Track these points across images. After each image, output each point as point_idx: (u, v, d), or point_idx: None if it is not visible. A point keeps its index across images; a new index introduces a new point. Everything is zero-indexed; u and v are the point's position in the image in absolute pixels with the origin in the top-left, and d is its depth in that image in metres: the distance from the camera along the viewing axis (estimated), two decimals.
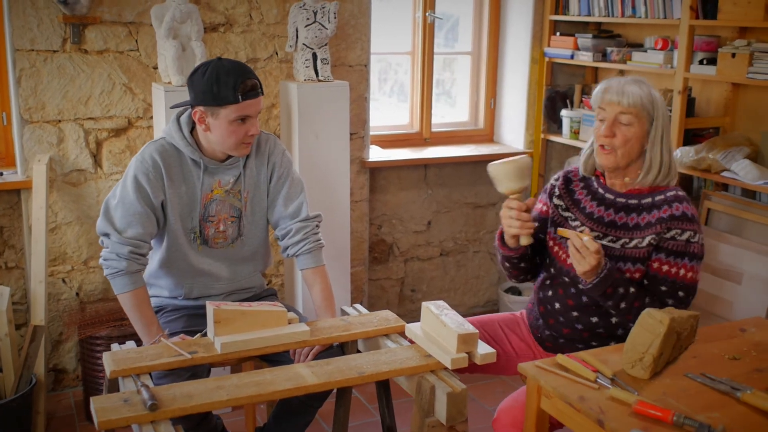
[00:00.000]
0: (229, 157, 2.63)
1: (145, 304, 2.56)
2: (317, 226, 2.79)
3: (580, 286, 2.36)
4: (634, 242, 2.36)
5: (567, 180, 2.57)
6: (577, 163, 2.56)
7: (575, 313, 2.44)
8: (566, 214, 2.52)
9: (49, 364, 3.63)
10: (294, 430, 2.68)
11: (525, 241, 2.37)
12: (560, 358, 2.02)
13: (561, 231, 2.38)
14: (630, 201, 2.40)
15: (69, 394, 3.68)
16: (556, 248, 2.50)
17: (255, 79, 2.52)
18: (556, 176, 2.62)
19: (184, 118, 2.60)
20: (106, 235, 2.55)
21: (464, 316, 2.40)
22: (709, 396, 1.89)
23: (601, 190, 2.48)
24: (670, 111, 3.71)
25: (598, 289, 2.29)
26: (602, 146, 2.37)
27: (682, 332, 2.06)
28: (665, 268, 2.32)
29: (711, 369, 2.02)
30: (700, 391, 1.92)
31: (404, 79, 4.57)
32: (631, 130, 2.33)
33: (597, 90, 2.40)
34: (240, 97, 2.46)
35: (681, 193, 2.37)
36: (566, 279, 2.46)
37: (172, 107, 2.69)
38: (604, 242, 2.39)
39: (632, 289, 2.31)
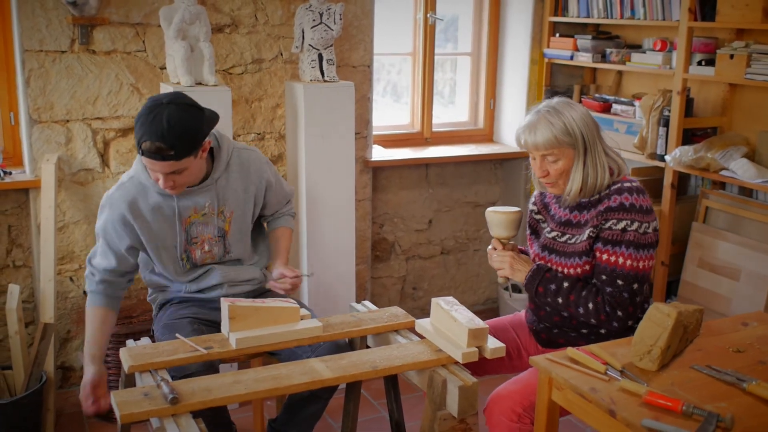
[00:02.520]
0: (200, 180, 2.66)
1: (99, 326, 2.67)
2: (291, 200, 3.07)
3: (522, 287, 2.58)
4: (577, 237, 2.47)
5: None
6: None
7: (547, 299, 2.52)
8: (538, 217, 2.70)
9: (57, 362, 3.66)
10: (306, 420, 2.74)
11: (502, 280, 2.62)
12: (570, 351, 2.08)
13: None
14: (582, 200, 2.51)
15: (77, 392, 3.69)
16: (533, 247, 2.69)
17: (161, 144, 2.42)
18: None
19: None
20: (89, 257, 2.74)
21: None
22: (716, 387, 1.95)
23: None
24: (669, 111, 3.77)
25: (531, 286, 2.50)
26: (545, 182, 2.52)
27: (689, 325, 2.12)
28: (604, 257, 2.40)
29: (716, 361, 2.08)
30: (707, 382, 1.97)
31: (397, 79, 4.62)
32: (560, 163, 2.44)
33: (518, 130, 2.50)
34: (141, 151, 2.47)
35: (627, 184, 2.43)
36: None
37: None
38: (561, 240, 2.53)
39: (565, 284, 2.45)
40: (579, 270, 2.45)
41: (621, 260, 2.37)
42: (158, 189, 2.62)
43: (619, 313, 2.37)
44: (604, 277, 2.40)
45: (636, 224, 2.37)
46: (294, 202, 3.29)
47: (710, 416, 1.76)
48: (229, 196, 2.72)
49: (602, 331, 2.50)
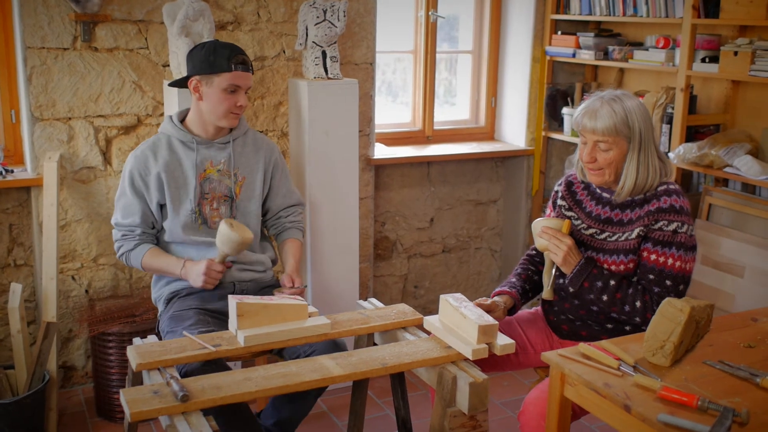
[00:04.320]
0: (219, 136, 2.91)
1: (159, 255, 2.88)
2: (302, 211, 3.20)
3: (564, 281, 2.54)
4: (625, 235, 2.46)
5: (569, 183, 2.71)
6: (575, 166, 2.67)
7: (591, 296, 2.51)
8: (569, 213, 2.65)
9: (59, 361, 3.64)
10: (293, 416, 2.75)
11: (547, 295, 2.58)
12: (582, 347, 2.07)
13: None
14: (627, 198, 2.50)
15: (79, 391, 3.70)
16: None
17: (246, 57, 2.84)
18: (559, 182, 2.76)
19: (174, 114, 2.95)
20: (114, 226, 2.93)
21: None
22: (730, 382, 1.94)
23: (599, 191, 2.60)
24: (672, 108, 3.77)
25: (577, 281, 2.46)
26: (590, 168, 2.50)
27: (700, 321, 2.11)
28: (653, 257, 2.41)
29: (728, 356, 2.07)
30: (720, 377, 1.97)
31: (392, 78, 4.61)
32: (611, 153, 2.44)
33: (576, 113, 2.51)
34: (233, 66, 2.78)
35: (672, 186, 2.46)
36: None
37: (170, 84, 3.00)
38: (600, 237, 2.51)
39: (612, 282, 2.43)
40: (623, 267, 2.45)
41: (671, 261, 2.39)
42: (180, 137, 2.87)
43: None
44: (651, 276, 2.41)
45: (686, 227, 2.40)
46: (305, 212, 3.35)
47: (726, 411, 1.75)
48: (242, 161, 2.95)
49: (627, 327, 2.50)
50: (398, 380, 2.58)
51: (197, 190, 2.86)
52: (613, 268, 2.46)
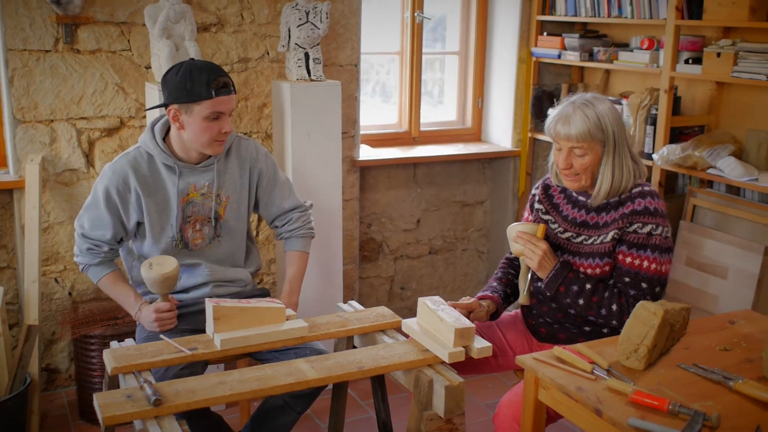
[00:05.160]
0: (202, 159, 2.71)
1: (118, 283, 2.74)
2: (311, 214, 3.01)
3: (540, 285, 2.54)
4: (600, 238, 2.46)
5: (546, 187, 2.71)
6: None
7: (567, 300, 2.51)
8: (546, 217, 2.65)
9: (42, 364, 3.63)
10: None
11: (524, 300, 2.60)
12: (557, 350, 2.06)
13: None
14: (602, 202, 2.51)
15: (62, 394, 3.69)
16: None
17: (227, 77, 2.60)
18: (536, 185, 2.76)
19: (157, 127, 2.70)
20: (77, 231, 2.74)
21: None
22: (703, 385, 1.94)
23: (575, 194, 2.60)
24: (656, 110, 3.77)
25: (553, 285, 2.46)
26: (566, 174, 2.49)
27: (675, 324, 2.11)
28: (628, 260, 2.41)
29: (703, 360, 2.07)
30: (694, 380, 1.96)
31: (386, 79, 4.61)
32: (586, 159, 2.44)
33: (548, 120, 2.50)
34: (213, 92, 2.55)
35: (647, 188, 2.46)
36: None
37: (147, 110, 2.82)
38: (577, 241, 2.51)
39: (588, 285, 2.44)
40: (598, 270, 2.45)
41: (646, 263, 2.38)
42: (163, 159, 2.65)
43: None
44: (627, 279, 2.41)
45: (660, 228, 2.40)
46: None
47: (696, 415, 1.75)
48: (227, 180, 2.76)
49: (605, 330, 2.49)
50: (378, 383, 2.58)
51: (179, 215, 2.70)
52: (589, 271, 2.46)
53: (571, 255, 2.51)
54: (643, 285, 2.39)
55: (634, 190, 2.45)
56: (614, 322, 2.42)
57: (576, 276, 2.45)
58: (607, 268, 2.45)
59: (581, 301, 2.44)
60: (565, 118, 2.43)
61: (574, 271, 2.47)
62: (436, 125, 4.70)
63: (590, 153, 2.43)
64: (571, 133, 2.41)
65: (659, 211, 2.41)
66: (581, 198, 2.57)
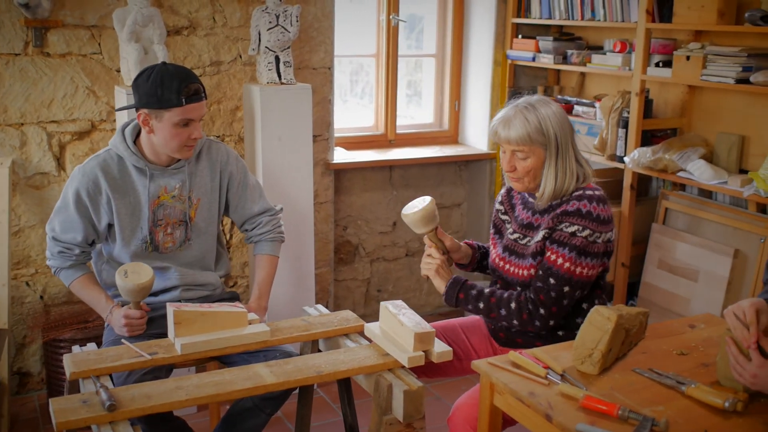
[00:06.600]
0: (173, 162, 2.71)
1: (90, 286, 2.74)
2: (281, 218, 3.00)
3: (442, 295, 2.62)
4: (534, 239, 2.48)
5: (509, 189, 2.72)
6: None
7: (469, 306, 2.54)
8: (504, 217, 2.69)
9: (14, 367, 3.62)
10: None
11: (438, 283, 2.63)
12: (512, 355, 2.07)
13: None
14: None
15: (34, 397, 3.68)
16: (497, 248, 2.68)
17: (198, 84, 2.60)
18: (503, 186, 2.77)
19: (128, 130, 2.69)
20: (48, 235, 2.73)
21: (429, 315, 2.49)
22: (655, 390, 1.95)
23: (527, 196, 2.61)
24: (628, 113, 3.78)
25: (451, 296, 2.55)
26: (510, 176, 2.51)
27: (631, 328, 2.12)
28: (547, 254, 2.41)
29: (659, 364, 2.08)
30: (647, 385, 1.97)
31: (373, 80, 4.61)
32: (528, 162, 2.43)
33: (492, 122, 2.50)
34: (183, 100, 2.55)
35: (589, 192, 2.42)
36: (501, 275, 2.61)
37: (117, 110, 2.81)
38: (522, 242, 2.53)
39: (486, 290, 2.49)
40: (532, 271, 2.45)
41: (560, 261, 2.37)
42: (134, 161, 2.65)
43: (542, 311, 2.38)
44: (540, 272, 2.41)
45: (587, 231, 2.36)
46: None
47: (645, 420, 1.76)
48: (197, 183, 2.76)
49: (560, 333, 2.50)
50: (345, 387, 2.58)
51: (150, 218, 2.70)
52: (524, 272, 2.47)
53: (516, 257, 2.52)
54: (551, 280, 2.38)
55: (575, 193, 2.43)
56: (515, 322, 2.43)
57: (472, 283, 2.52)
58: (532, 271, 2.46)
59: (481, 304, 2.48)
60: (506, 121, 2.43)
61: (468, 281, 2.54)
62: (413, 128, 4.70)
63: (532, 156, 2.42)
64: (510, 137, 2.41)
65: (592, 215, 2.37)
66: (531, 200, 2.57)
